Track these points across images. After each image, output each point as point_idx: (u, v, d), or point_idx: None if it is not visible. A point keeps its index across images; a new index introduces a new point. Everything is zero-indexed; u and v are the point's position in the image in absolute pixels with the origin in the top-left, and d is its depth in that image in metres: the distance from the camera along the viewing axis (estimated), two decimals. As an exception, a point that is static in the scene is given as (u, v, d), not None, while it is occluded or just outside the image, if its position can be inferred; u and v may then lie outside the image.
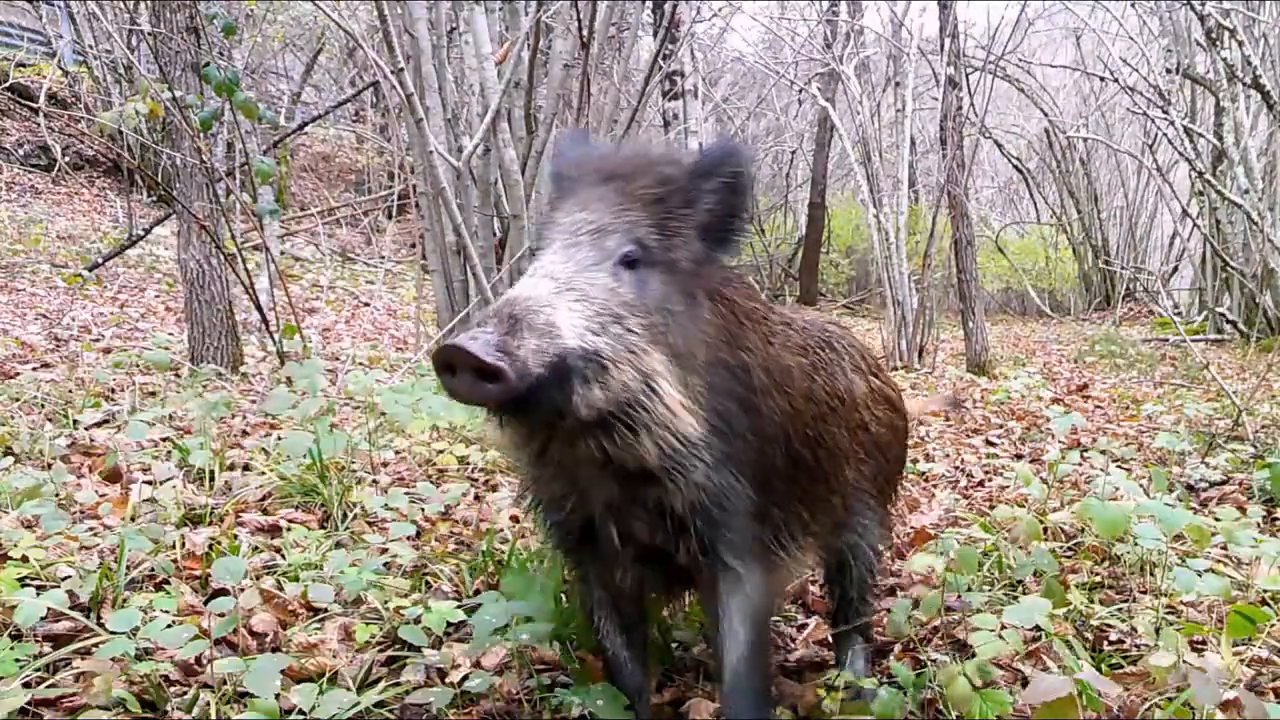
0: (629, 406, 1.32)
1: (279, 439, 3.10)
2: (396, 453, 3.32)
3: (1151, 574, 2.36)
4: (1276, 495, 3.19)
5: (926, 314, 8.72)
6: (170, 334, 6.02)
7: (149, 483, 2.70)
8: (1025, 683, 1.81)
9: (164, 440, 3.20)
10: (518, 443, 1.49)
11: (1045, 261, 19.14)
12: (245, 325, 5.80)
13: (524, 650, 1.85)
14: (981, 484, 3.86)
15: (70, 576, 2.01)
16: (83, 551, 2.17)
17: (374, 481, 2.93)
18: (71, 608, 1.84)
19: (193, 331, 4.74)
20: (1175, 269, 16.54)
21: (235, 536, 2.35)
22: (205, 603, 1.95)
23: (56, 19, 11.99)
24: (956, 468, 4.15)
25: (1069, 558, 2.59)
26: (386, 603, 2.05)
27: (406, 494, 2.72)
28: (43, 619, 1.78)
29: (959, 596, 2.16)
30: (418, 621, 1.91)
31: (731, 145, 1.50)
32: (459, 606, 1.98)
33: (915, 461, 4.22)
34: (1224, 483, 3.55)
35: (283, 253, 10.17)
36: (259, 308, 4.47)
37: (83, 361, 4.78)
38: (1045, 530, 2.65)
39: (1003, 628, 1.75)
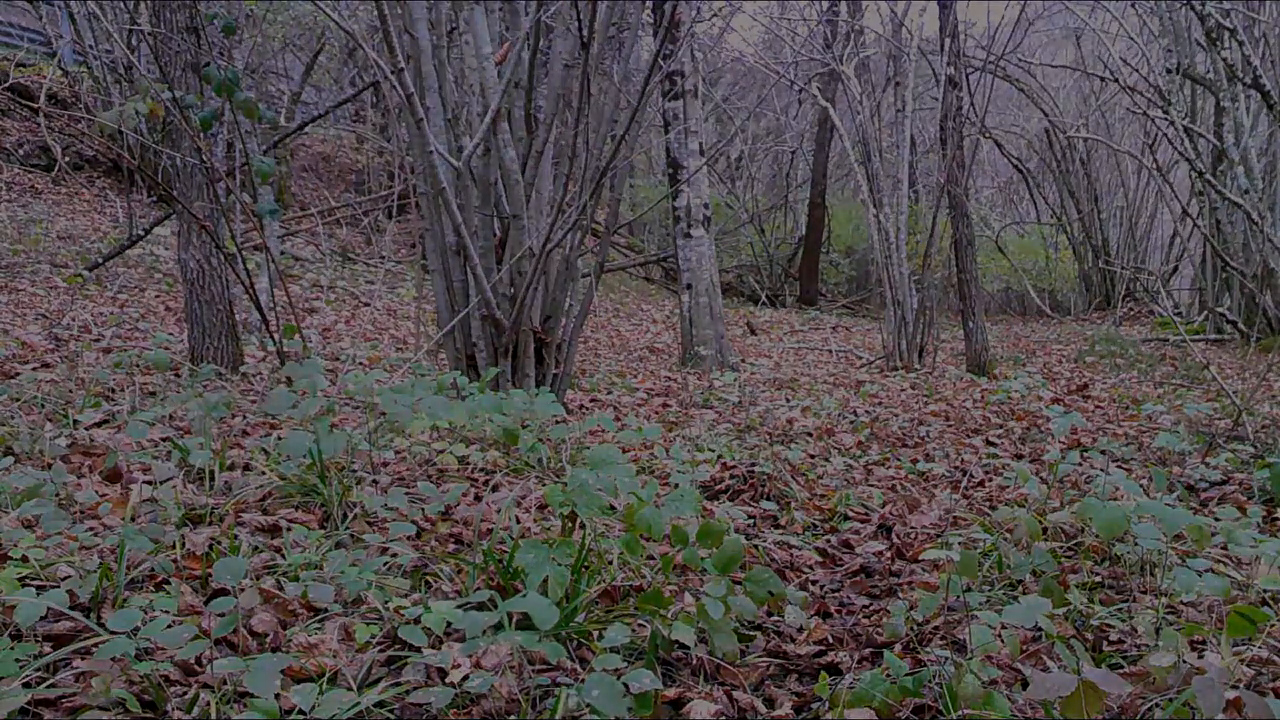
0: None
1: (279, 439, 3.10)
2: (396, 453, 3.32)
3: (1151, 574, 2.36)
4: (1276, 495, 3.20)
5: (926, 314, 8.72)
6: (170, 334, 6.02)
7: (149, 483, 2.70)
8: (1025, 684, 1.81)
9: (164, 440, 3.20)
10: None
11: (1045, 261, 19.14)
12: (245, 325, 5.80)
13: (524, 650, 1.85)
14: (981, 484, 3.86)
15: (70, 576, 2.00)
16: (83, 551, 2.17)
17: (374, 481, 2.93)
18: (71, 608, 1.84)
19: (193, 331, 4.74)
20: (1175, 269, 16.54)
21: (235, 536, 2.35)
22: (205, 603, 1.95)
23: (56, 19, 11.98)
24: (956, 468, 4.15)
25: (1069, 558, 2.59)
26: (386, 603, 2.05)
27: (406, 494, 2.72)
28: (43, 619, 1.78)
29: (958, 597, 2.16)
30: (418, 621, 1.91)
31: None
32: (459, 606, 1.98)
33: (915, 461, 4.23)
34: (1224, 483, 3.56)
35: (283, 253, 10.17)
36: (259, 308, 4.47)
37: (83, 361, 4.78)
38: (1045, 530, 2.66)
39: (1003, 627, 1.75)
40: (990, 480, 3.90)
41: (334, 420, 3.09)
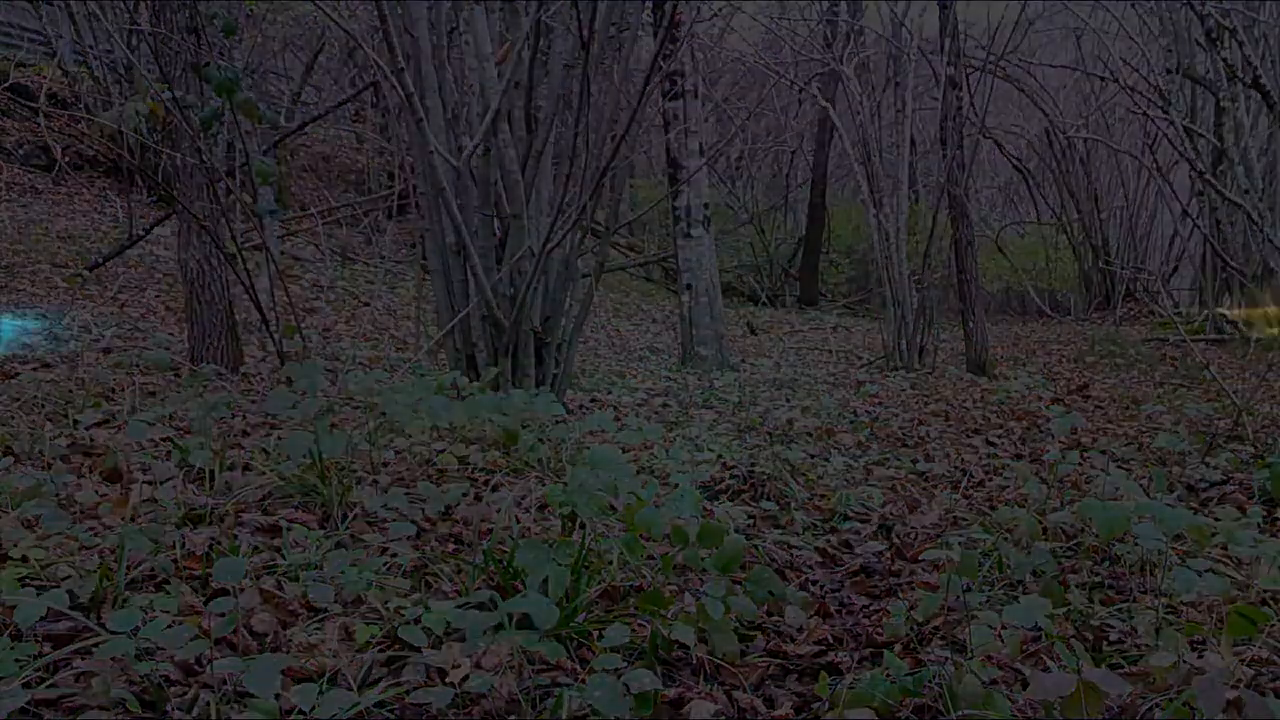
0: None
1: (279, 439, 3.10)
2: (396, 453, 3.32)
3: (1151, 574, 2.36)
4: (1276, 495, 3.20)
5: (926, 314, 8.72)
6: (170, 334, 6.02)
7: (149, 483, 2.70)
8: (1025, 684, 1.81)
9: (164, 440, 3.20)
10: None
11: (1045, 261, 19.13)
12: (245, 325, 5.80)
13: (524, 650, 1.85)
14: (981, 484, 3.86)
15: (70, 576, 2.00)
16: (83, 551, 2.17)
17: (374, 481, 2.93)
18: (71, 608, 1.84)
19: (193, 331, 4.74)
20: (1175, 269, 16.54)
21: (235, 536, 2.35)
22: (205, 603, 1.95)
23: (56, 19, 11.98)
24: (956, 468, 4.15)
25: (1069, 558, 2.59)
26: (386, 603, 2.05)
27: (406, 494, 2.72)
28: (43, 619, 1.78)
29: (958, 597, 2.16)
30: (418, 621, 1.91)
31: None
32: (459, 606, 1.98)
33: (915, 462, 4.23)
34: (1224, 483, 3.56)
35: (283, 253, 10.16)
36: (259, 308, 4.47)
37: (83, 361, 4.78)
38: (1045, 530, 2.66)
39: (1003, 627, 1.75)
40: (990, 480, 3.89)
41: (334, 420, 3.10)
